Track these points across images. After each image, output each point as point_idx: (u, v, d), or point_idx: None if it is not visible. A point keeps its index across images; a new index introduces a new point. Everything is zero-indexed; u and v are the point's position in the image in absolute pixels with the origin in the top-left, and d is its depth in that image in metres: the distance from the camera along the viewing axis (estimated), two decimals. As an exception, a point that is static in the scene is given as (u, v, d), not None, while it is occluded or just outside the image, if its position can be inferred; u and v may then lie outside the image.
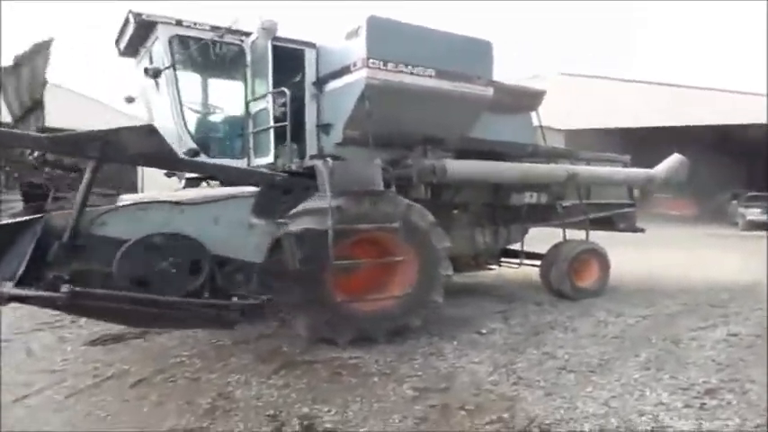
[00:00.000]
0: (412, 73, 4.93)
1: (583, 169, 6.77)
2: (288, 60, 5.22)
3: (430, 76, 5.04)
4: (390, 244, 4.85)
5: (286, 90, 4.90)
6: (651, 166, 8.32)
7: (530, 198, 6.62)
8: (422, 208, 4.92)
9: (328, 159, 4.52)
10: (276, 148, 5.06)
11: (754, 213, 21.11)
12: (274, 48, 5.07)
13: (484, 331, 5.34)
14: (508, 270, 7.68)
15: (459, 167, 5.45)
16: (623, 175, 7.40)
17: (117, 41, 5.44)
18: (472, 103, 5.42)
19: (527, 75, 25.38)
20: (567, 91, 23.04)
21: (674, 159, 7.74)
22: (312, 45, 5.30)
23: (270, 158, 5.15)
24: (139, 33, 5.19)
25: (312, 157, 5.10)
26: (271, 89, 5.07)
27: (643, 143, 23.95)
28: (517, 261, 7.06)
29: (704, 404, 3.49)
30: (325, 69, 5.26)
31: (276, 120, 5.00)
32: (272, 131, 5.04)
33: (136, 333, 5.06)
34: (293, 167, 4.84)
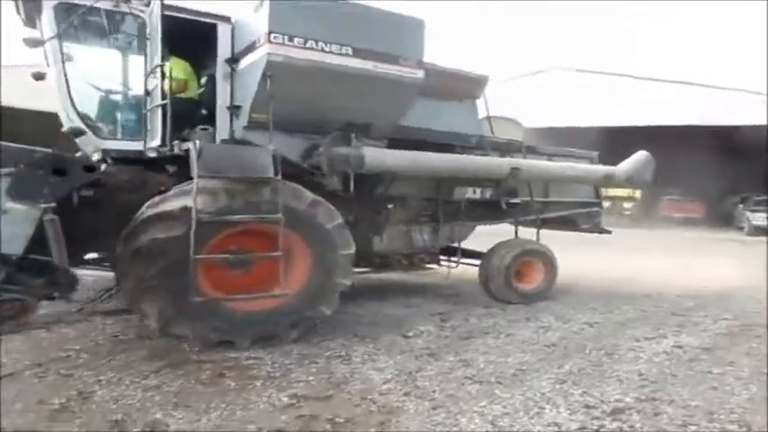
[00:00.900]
0: (324, 50, 4.49)
1: (529, 163, 6.31)
2: (200, 35, 4.84)
3: (347, 55, 4.59)
4: (287, 241, 4.42)
5: (166, 64, 4.53)
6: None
7: (472, 193, 6.19)
8: (329, 206, 4.54)
9: (197, 141, 4.12)
10: (178, 129, 4.71)
11: (760, 218, 20.37)
12: (183, 21, 4.70)
13: (410, 334, 5.00)
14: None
15: (380, 157, 5.04)
16: (578, 171, 6.89)
17: (17, 11, 5.11)
18: (399, 86, 4.99)
19: (531, 70, 24.91)
20: (570, 86, 22.50)
21: (639, 156, 7.27)
22: (227, 19, 4.88)
23: (158, 140, 4.71)
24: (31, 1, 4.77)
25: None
26: (159, 63, 4.63)
27: (652, 142, 23.41)
28: (456, 260, 6.66)
29: (602, 426, 3.12)
30: (240, 46, 4.84)
31: (166, 98, 4.60)
32: (159, 111, 4.67)
33: (40, 324, 4.83)
34: (176, 150, 4.47)
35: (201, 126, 4.84)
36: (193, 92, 5.27)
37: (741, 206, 23.28)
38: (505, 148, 6.54)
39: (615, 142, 22.00)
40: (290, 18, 4.39)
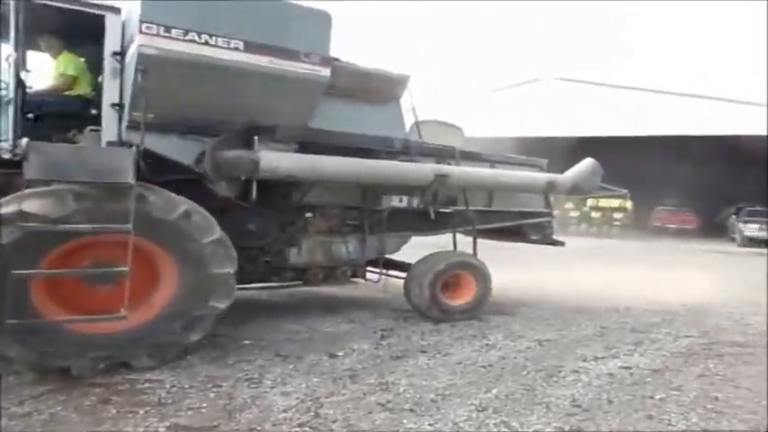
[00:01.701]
0: (208, 44, 4.10)
1: (457, 170, 5.83)
2: (87, 27, 4.42)
3: (236, 49, 4.21)
4: (149, 255, 4.01)
5: (14, 55, 4.12)
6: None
7: (399, 202, 5.80)
8: (206, 218, 4.11)
9: (26, 141, 3.67)
10: (65, 129, 4.34)
11: (753, 229, 20.01)
12: (69, 12, 4.26)
13: (340, 353, 4.66)
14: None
15: (277, 162, 4.56)
16: (515, 179, 6.39)
17: None
18: (302, 85, 4.62)
19: (526, 78, 24.70)
20: (556, 96, 22.27)
21: (585, 164, 6.92)
22: (116, 10, 4.44)
23: (10, 140, 4.21)
24: None
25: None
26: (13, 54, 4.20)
27: (644, 152, 23.13)
28: (379, 272, 6.18)
29: (505, 464, 2.78)
30: (127, 38, 4.40)
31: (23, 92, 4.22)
32: (10, 108, 4.21)
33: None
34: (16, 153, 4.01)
35: (92, 127, 4.45)
36: (84, 89, 4.88)
37: (734, 217, 22.91)
38: (437, 154, 6.07)
39: (609, 152, 21.88)
40: (167, 7, 4.01)
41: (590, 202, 22.36)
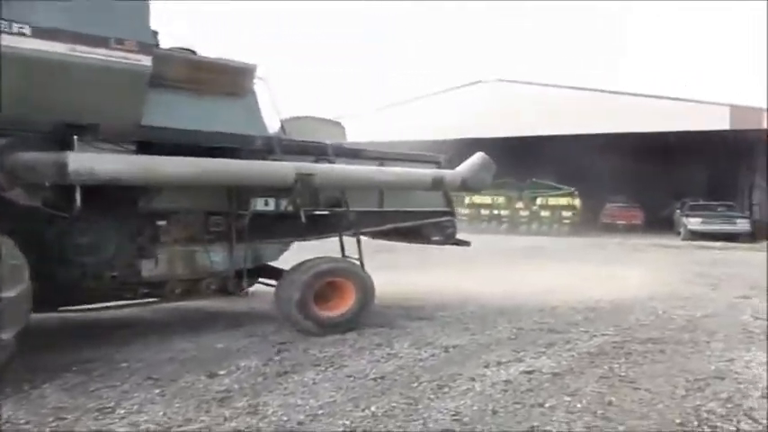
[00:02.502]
0: None
1: (324, 168, 5.35)
2: None
3: (21, 35, 3.62)
4: None
5: None
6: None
7: (264, 205, 5.21)
8: None
9: None
10: None
11: (695, 223, 20.45)
12: None
13: (221, 372, 4.25)
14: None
15: (97, 164, 3.96)
16: (396, 176, 5.86)
17: None
18: (116, 75, 4.08)
19: (470, 80, 24.71)
20: (506, 98, 22.35)
21: (476, 159, 6.57)
22: None
23: None
24: None
25: None
26: None
27: (592, 150, 23.42)
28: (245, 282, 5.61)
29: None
30: None
31: None
32: None
33: None
34: None
35: None
36: None
37: (678, 212, 23.42)
38: (306, 151, 5.56)
39: (556, 151, 22.09)
40: None
41: (539, 201, 22.48)
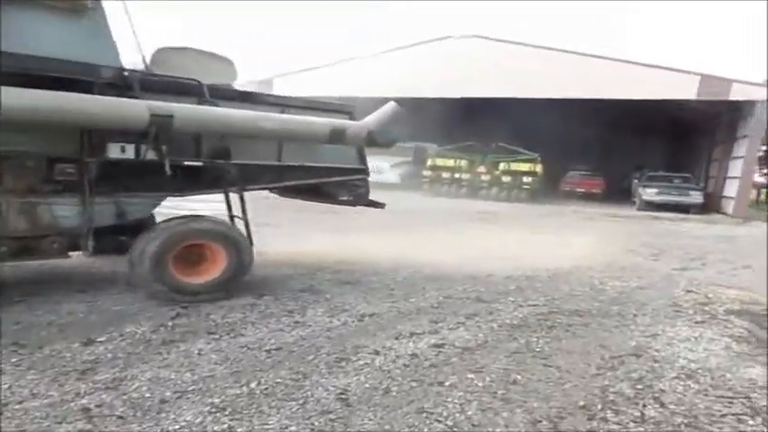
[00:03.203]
0: None
1: (189, 110, 4.58)
2: None
3: None
4: None
5: None
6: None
7: (120, 152, 4.48)
8: None
9: None
10: None
11: (651, 194, 20.60)
12: None
13: (102, 338, 3.81)
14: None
15: None
16: (282, 124, 5.09)
17: None
18: None
19: (438, 35, 23.82)
20: (479, 56, 21.69)
21: (386, 109, 5.86)
22: None
23: None
24: None
25: None
26: None
27: (562, 116, 23.15)
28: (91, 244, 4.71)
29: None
30: None
31: None
32: None
33: None
34: None
35: None
36: None
37: (636, 181, 23.58)
38: (173, 90, 4.73)
39: (521, 114, 21.72)
40: None
41: (502, 165, 22.24)
